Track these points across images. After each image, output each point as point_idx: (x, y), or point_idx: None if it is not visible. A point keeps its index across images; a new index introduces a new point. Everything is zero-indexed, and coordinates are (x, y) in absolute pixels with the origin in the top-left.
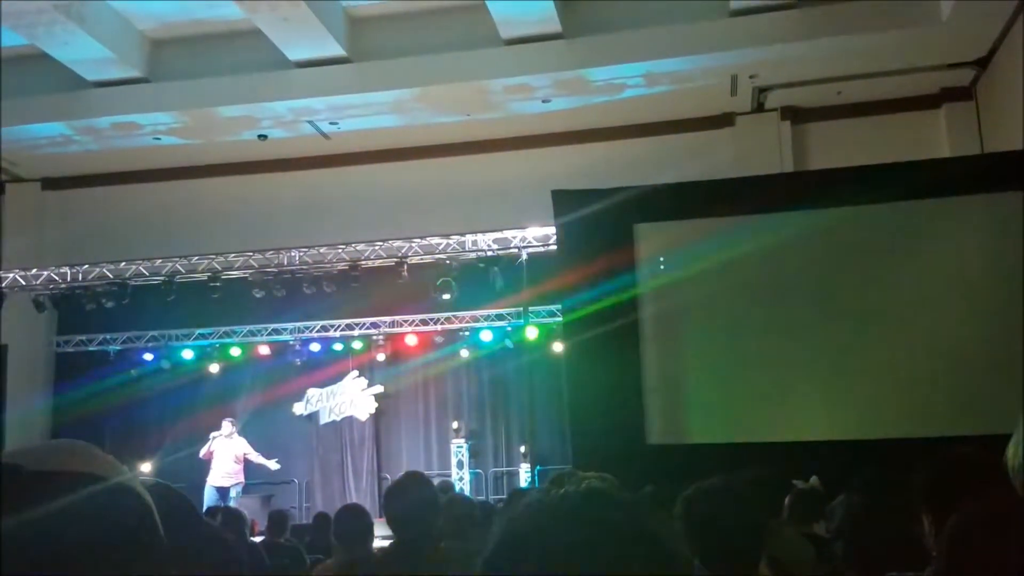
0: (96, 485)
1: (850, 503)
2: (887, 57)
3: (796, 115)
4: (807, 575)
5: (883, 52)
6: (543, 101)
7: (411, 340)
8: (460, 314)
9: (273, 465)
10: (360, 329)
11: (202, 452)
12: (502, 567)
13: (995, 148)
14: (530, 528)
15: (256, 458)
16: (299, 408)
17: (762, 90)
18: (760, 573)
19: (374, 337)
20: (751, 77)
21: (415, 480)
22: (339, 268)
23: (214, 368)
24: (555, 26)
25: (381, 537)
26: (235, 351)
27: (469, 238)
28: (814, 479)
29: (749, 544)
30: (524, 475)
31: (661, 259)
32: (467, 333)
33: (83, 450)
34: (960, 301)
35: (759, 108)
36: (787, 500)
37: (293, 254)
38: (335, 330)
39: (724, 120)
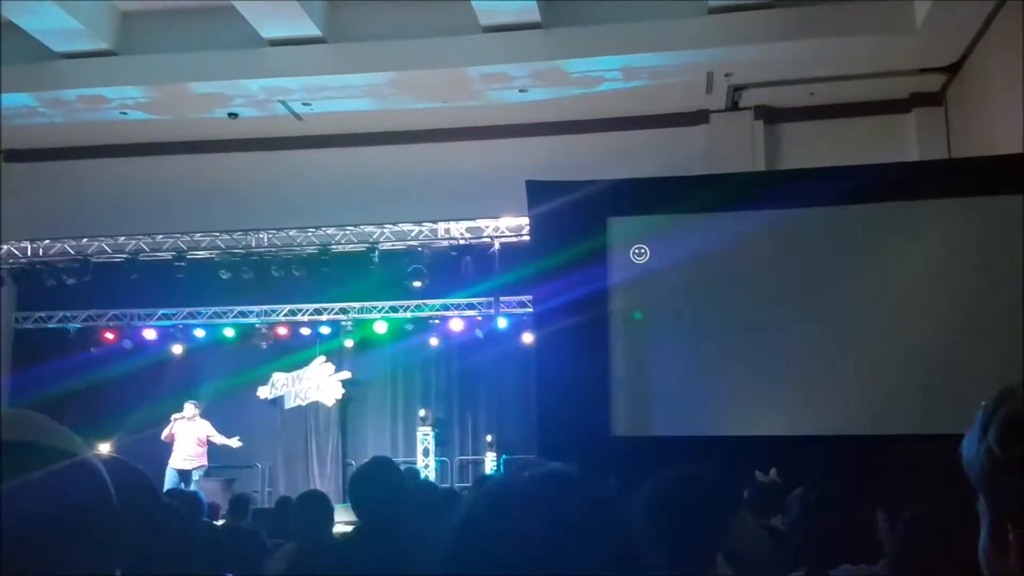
0: (52, 457)
1: (807, 496)
2: (860, 61)
3: (769, 115)
4: (764, 566)
5: (857, 56)
6: (520, 91)
7: (380, 327)
8: (431, 302)
9: (235, 443)
10: (329, 314)
11: (164, 434)
12: (467, 544)
13: (962, 154)
14: (495, 507)
15: (219, 439)
16: (264, 392)
17: (737, 89)
18: (718, 564)
19: (343, 323)
20: (726, 75)
21: (381, 465)
22: (309, 252)
23: (177, 349)
24: (534, 16)
25: (343, 523)
26: (199, 332)
27: (442, 226)
28: (773, 472)
29: (709, 535)
30: (490, 464)
31: (632, 253)
32: (437, 321)
33: (40, 422)
34: (924, 302)
35: (733, 106)
36: (746, 492)
37: (262, 236)
38: (303, 314)
39: (699, 117)
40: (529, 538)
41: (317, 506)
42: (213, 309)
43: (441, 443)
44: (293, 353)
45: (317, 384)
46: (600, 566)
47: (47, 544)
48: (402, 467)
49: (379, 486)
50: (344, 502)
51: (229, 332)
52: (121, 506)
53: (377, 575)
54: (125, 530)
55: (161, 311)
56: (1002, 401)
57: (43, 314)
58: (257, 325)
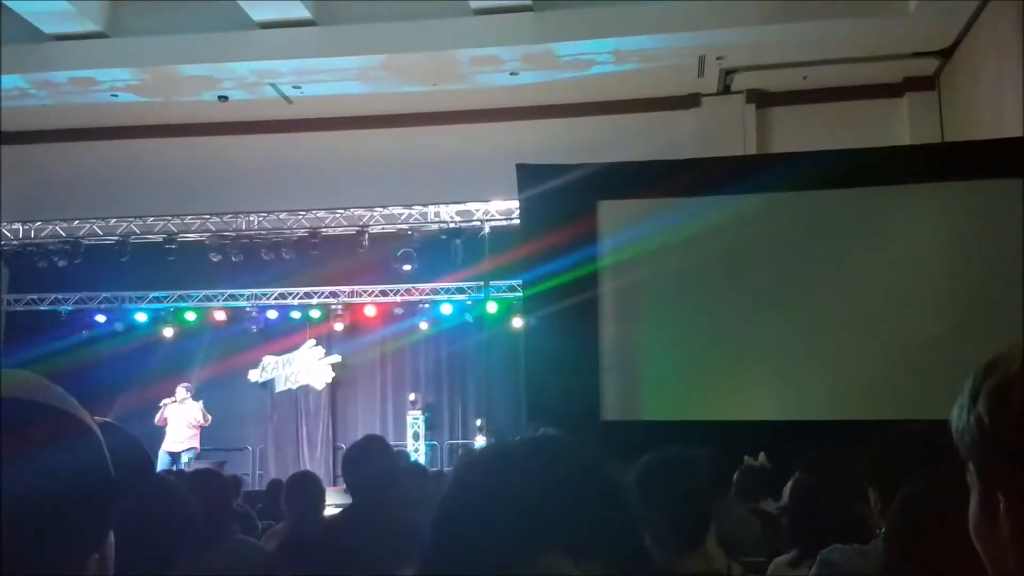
0: (48, 415)
1: (797, 479)
2: (853, 44)
3: (761, 98)
4: (753, 548)
5: (850, 39)
6: (511, 74)
7: (370, 311)
8: (420, 286)
9: (203, 419)
10: (319, 298)
11: (156, 419)
12: (458, 506)
13: (955, 138)
14: (486, 469)
15: (203, 420)
16: (254, 375)
17: (729, 72)
18: (707, 546)
19: (332, 306)
20: (718, 59)
21: (375, 444)
22: (299, 235)
23: (168, 332)
24: None
25: (333, 505)
26: (190, 315)
27: (432, 209)
28: (762, 456)
29: (698, 514)
30: None
31: (622, 236)
32: (427, 305)
33: (33, 380)
34: (915, 287)
35: (725, 90)
36: (735, 476)
37: (252, 219)
38: (293, 298)
39: (690, 101)
40: (521, 498)
41: (308, 487)
42: (203, 292)
43: (431, 427)
44: (283, 336)
45: (307, 368)
46: (593, 525)
47: (40, 500)
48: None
49: (372, 462)
50: (335, 485)
51: (219, 315)
52: (116, 471)
53: (368, 551)
54: (120, 495)
55: (152, 294)
56: (991, 369)
57: (35, 296)
58: (247, 308)
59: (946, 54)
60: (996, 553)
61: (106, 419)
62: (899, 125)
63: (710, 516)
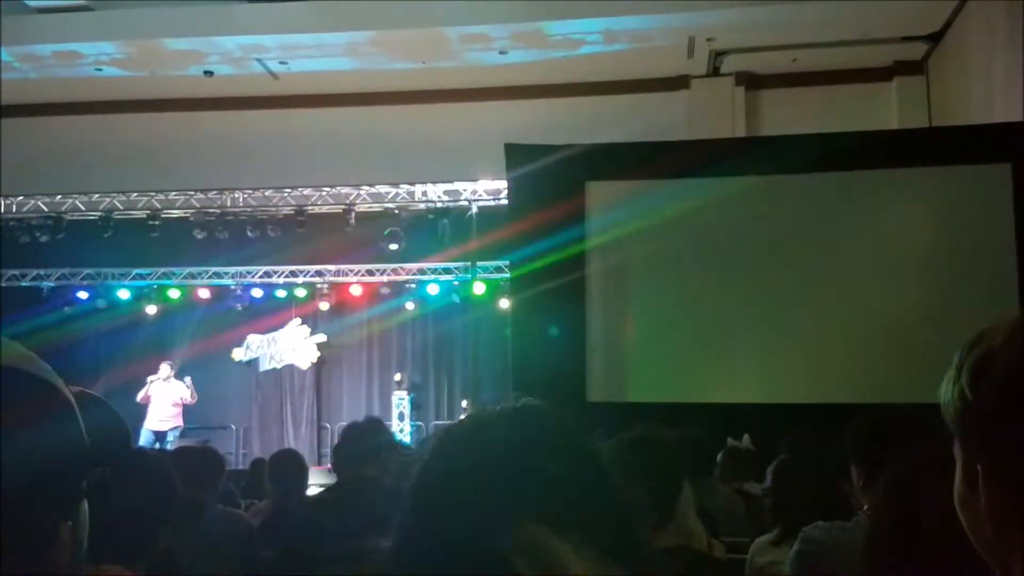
0: (34, 385)
1: (780, 459)
2: (843, 27)
3: (751, 81)
4: (736, 528)
5: (839, 22)
6: (500, 53)
7: (356, 290)
8: (407, 266)
9: (193, 395)
10: (304, 277)
11: (139, 396)
12: (436, 474)
13: (943, 122)
14: (465, 437)
15: (190, 398)
16: (239, 354)
17: (719, 54)
18: (688, 524)
19: (318, 285)
20: (708, 40)
21: (369, 425)
22: (284, 213)
23: (151, 310)
24: None
25: (317, 484)
26: (174, 293)
27: (419, 188)
28: (746, 438)
29: (668, 492)
30: None
31: (610, 218)
32: (413, 286)
33: (19, 350)
34: (902, 271)
35: (715, 72)
36: (719, 457)
37: (237, 196)
38: (278, 276)
39: (680, 82)
40: (499, 466)
41: (291, 464)
42: (188, 269)
43: (416, 407)
44: (268, 315)
45: (292, 347)
46: (572, 495)
47: (15, 466)
48: None
49: (361, 441)
50: (319, 464)
51: (204, 293)
52: (93, 441)
53: (349, 528)
54: (94, 465)
55: (135, 270)
56: (977, 342)
57: (17, 272)
58: (232, 286)
59: (935, 38)
60: (976, 524)
61: (83, 389)
62: (887, 109)
63: (678, 493)
